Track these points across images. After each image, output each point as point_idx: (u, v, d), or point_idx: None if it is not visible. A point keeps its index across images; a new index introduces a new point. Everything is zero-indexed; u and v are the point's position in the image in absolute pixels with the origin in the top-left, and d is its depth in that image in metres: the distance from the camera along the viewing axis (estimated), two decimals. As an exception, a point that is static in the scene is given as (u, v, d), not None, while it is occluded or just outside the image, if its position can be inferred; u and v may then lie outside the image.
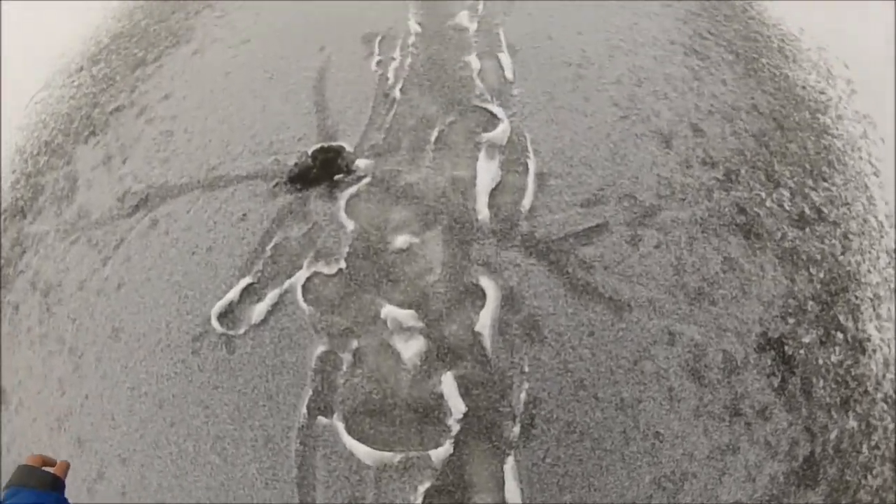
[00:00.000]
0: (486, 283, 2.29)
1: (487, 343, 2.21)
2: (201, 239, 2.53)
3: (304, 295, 2.30)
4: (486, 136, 2.74)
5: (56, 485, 1.14)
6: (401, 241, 2.37)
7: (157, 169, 2.82)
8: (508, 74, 3.04)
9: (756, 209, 2.79)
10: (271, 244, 2.42)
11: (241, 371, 2.26)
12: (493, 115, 2.85)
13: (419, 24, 3.35)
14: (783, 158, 3.13)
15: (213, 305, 2.35)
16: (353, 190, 2.51)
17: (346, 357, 2.21)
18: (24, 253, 2.95)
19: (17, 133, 3.66)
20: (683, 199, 2.67)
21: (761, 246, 2.70)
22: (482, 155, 2.66)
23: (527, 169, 2.63)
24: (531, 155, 2.69)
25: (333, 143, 2.65)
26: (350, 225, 2.43)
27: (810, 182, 3.08)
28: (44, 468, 1.16)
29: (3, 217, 3.16)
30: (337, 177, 2.54)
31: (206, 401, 2.24)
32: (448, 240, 2.40)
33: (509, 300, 2.30)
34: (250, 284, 2.34)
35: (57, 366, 2.50)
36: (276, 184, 2.57)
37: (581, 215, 2.54)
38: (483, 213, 2.46)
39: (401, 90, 2.92)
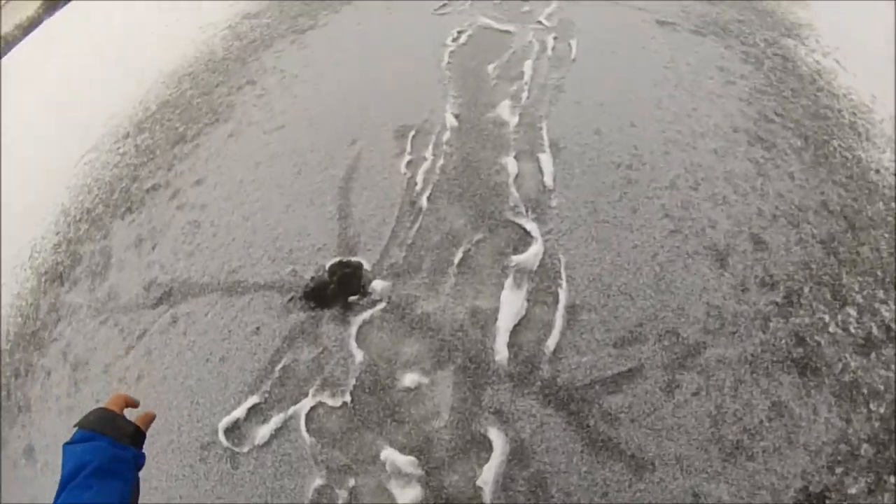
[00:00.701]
0: (495, 434, 2.27)
1: (487, 499, 2.18)
2: (216, 347, 2.67)
3: (307, 424, 2.37)
4: (515, 258, 2.71)
5: (136, 438, 1.05)
6: (409, 379, 2.39)
7: (181, 262, 3.02)
8: (548, 181, 3.00)
9: (817, 337, 2.60)
10: (280, 365, 2.51)
11: (243, 488, 2.35)
12: (527, 233, 2.82)
13: (456, 116, 3.39)
14: (853, 267, 2.92)
15: (222, 418, 2.47)
16: (366, 315, 2.56)
17: (342, 494, 2.26)
18: (58, 321, 3.22)
19: (64, 192, 4.03)
20: (734, 333, 2.52)
21: (817, 384, 2.52)
22: (508, 282, 2.63)
23: (556, 300, 2.58)
24: (563, 283, 2.63)
25: (352, 259, 2.73)
26: (359, 355, 2.48)
27: (881, 294, 2.86)
28: (124, 415, 1.06)
29: (42, 280, 3.49)
30: (352, 298, 2.61)
31: (207, 511, 2.37)
32: (460, 382, 2.40)
33: (518, 454, 2.26)
34: (257, 404, 2.44)
35: (74, 452, 2.71)
36: (292, 298, 2.68)
37: (613, 358, 2.44)
38: (501, 353, 2.43)
39: (428, 198, 2.95)
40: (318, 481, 2.29)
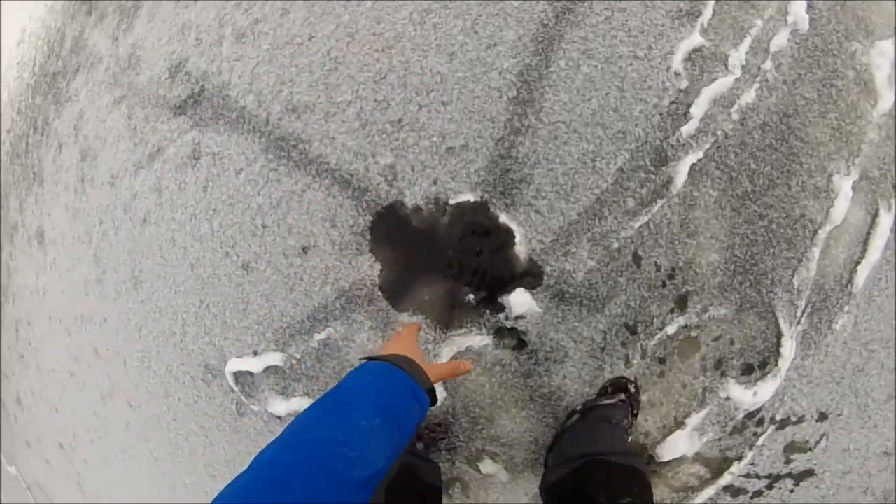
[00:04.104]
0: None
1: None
2: (241, 242, 0.99)
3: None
4: (732, 387, 0.81)
5: (432, 397, 0.44)
6: (487, 466, 0.86)
7: (224, 47, 0.96)
8: (860, 277, 0.81)
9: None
10: (323, 335, 0.88)
11: (244, 439, 1.05)
12: (777, 351, 0.81)
13: (808, 5, 0.79)
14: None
15: (232, 352, 1.01)
16: (477, 341, 0.80)
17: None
18: (77, 71, 1.37)
19: None
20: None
21: None
22: (694, 422, 0.81)
23: (715, 479, 0.85)
24: (741, 463, 0.85)
25: (500, 217, 0.76)
26: (440, 393, 0.85)
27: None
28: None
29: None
30: (469, 296, 0.78)
31: (207, 428, 1.10)
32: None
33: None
34: (279, 368, 0.93)
35: (83, 260, 1.26)
36: (373, 227, 0.84)
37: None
38: None
39: (693, 170, 0.75)
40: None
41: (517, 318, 0.79)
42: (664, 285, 0.79)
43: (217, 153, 1.02)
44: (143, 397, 1.21)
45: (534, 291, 0.79)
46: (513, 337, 0.80)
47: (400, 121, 0.85)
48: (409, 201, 0.83)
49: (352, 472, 0.33)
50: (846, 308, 0.88)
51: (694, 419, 0.85)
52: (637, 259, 0.78)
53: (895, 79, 0.87)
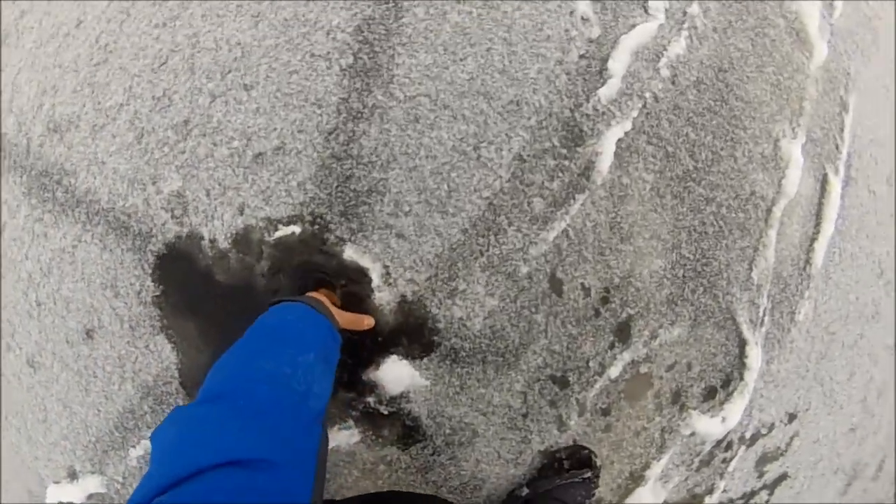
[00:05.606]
0: None
1: None
2: (20, 327, 0.50)
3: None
4: (697, 421, 0.42)
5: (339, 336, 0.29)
6: None
7: None
8: (819, 255, 0.43)
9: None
10: (140, 449, 0.44)
11: None
12: (741, 360, 0.44)
13: None
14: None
15: (48, 479, 0.61)
16: (344, 438, 0.38)
17: None
18: None
19: None
20: None
21: None
22: (657, 471, 0.42)
23: None
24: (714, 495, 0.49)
25: (344, 253, 0.31)
26: None
27: None
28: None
29: None
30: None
31: None
32: None
33: None
34: (105, 496, 0.47)
35: None
36: (163, 291, 0.41)
37: None
38: None
39: (617, 154, 0.35)
40: None
41: (395, 399, 0.40)
42: (597, 314, 0.42)
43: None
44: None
45: (413, 358, 0.40)
46: (395, 425, 0.41)
47: (186, 122, 0.42)
48: (209, 245, 0.42)
49: (308, 404, 0.24)
50: (806, 294, 0.55)
51: (655, 469, 0.50)
52: (557, 284, 0.41)
53: (828, 29, 0.54)
